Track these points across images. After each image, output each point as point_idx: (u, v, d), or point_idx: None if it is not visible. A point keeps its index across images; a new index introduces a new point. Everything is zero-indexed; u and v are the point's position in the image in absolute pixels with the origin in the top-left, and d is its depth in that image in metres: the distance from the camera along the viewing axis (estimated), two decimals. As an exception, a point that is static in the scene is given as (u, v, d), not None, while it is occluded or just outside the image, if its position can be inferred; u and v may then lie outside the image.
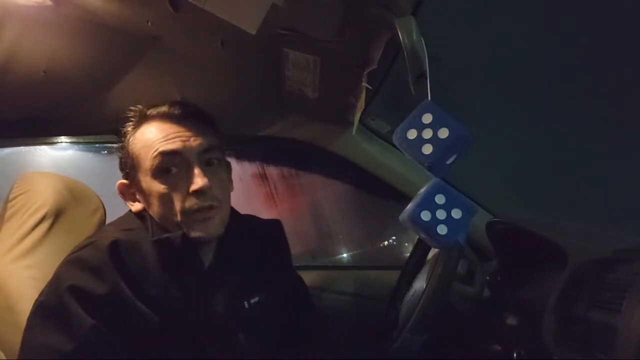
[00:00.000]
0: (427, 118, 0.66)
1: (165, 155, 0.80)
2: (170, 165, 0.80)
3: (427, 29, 0.71)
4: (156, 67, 1.05)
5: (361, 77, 0.95)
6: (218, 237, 0.85)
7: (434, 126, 0.66)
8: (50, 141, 1.46)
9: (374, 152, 1.38)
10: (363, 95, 1.03)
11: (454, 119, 0.65)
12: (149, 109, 0.86)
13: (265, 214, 1.02)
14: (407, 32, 0.70)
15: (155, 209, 0.83)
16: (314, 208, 1.96)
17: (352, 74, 0.96)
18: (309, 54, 0.94)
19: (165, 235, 0.81)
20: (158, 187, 0.81)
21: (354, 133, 1.30)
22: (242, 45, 0.94)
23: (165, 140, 0.81)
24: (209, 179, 0.80)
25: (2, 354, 0.84)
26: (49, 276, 0.90)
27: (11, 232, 0.94)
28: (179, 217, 0.80)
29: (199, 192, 0.79)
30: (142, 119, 0.86)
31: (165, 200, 0.81)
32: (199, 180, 0.79)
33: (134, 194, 0.87)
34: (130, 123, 0.87)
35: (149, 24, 0.91)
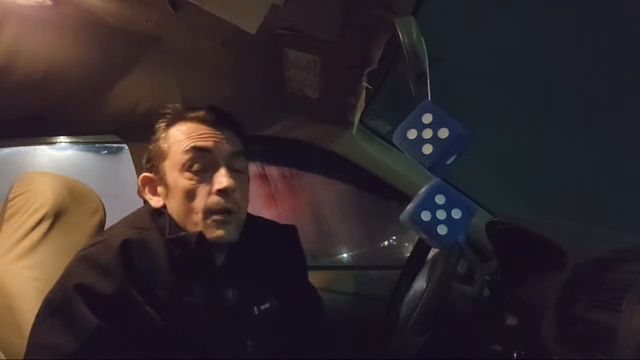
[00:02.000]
0: (427, 118, 0.66)
1: (197, 150, 0.83)
2: (200, 162, 0.83)
3: (427, 29, 0.71)
4: (156, 67, 1.05)
5: (361, 77, 0.95)
6: (230, 242, 0.85)
7: (434, 126, 0.66)
8: (50, 141, 1.45)
9: (374, 152, 1.38)
10: (363, 95, 1.03)
11: (454, 119, 0.65)
12: (185, 110, 0.89)
13: (265, 214, 1.02)
14: (407, 32, 0.70)
15: (176, 205, 0.84)
16: (314, 208, 1.96)
17: (352, 74, 0.96)
18: (309, 54, 0.94)
19: (182, 233, 0.81)
20: (184, 182, 0.82)
21: (354, 133, 1.30)
22: (242, 45, 0.94)
23: (198, 138, 0.84)
24: (233, 183, 0.82)
25: (2, 354, 0.84)
26: (49, 276, 0.90)
27: (11, 232, 0.94)
28: (199, 215, 0.81)
29: (222, 192, 0.81)
30: (178, 118, 0.88)
31: (189, 196, 0.82)
32: (224, 180, 0.81)
33: (155, 188, 0.88)
34: (165, 120, 0.89)
35: (149, 24, 0.91)
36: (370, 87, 0.98)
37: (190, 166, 0.83)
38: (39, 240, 0.94)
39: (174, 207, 0.84)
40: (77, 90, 1.09)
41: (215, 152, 0.83)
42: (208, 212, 0.81)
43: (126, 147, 1.30)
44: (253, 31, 0.78)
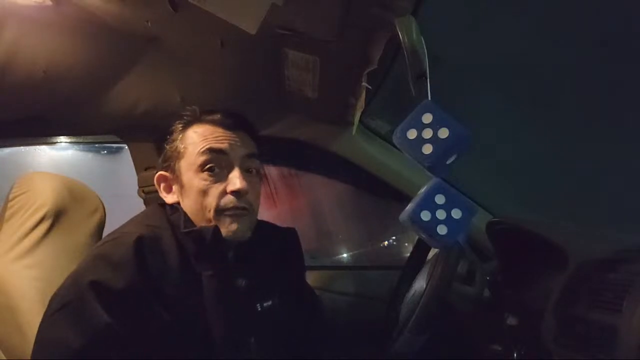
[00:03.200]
0: (427, 118, 0.66)
1: (213, 152, 0.86)
2: (215, 163, 0.85)
3: (427, 29, 0.71)
4: (156, 67, 1.05)
5: (361, 77, 0.95)
6: (243, 239, 0.87)
7: (434, 126, 0.66)
8: (50, 141, 1.45)
9: (374, 152, 1.38)
10: (363, 95, 1.03)
11: (454, 119, 0.65)
12: (203, 113, 0.92)
13: (265, 214, 1.02)
14: (407, 32, 0.70)
15: (190, 203, 0.86)
16: (314, 208, 1.96)
17: (352, 74, 0.96)
18: (309, 54, 0.94)
19: (198, 227, 0.84)
20: (199, 182, 0.85)
21: (354, 133, 1.30)
22: (241, 45, 0.94)
23: (214, 140, 0.87)
24: (247, 184, 0.85)
25: (2, 354, 0.84)
26: (49, 276, 0.90)
27: (11, 232, 0.94)
28: (211, 213, 0.84)
29: (236, 193, 0.84)
30: (195, 120, 0.91)
31: (203, 195, 0.85)
32: (237, 182, 0.84)
33: (170, 186, 0.91)
34: (181, 122, 0.92)
35: (149, 24, 0.91)
36: (370, 87, 0.98)
37: (206, 167, 0.85)
38: (39, 240, 0.95)
39: (188, 206, 0.87)
40: (77, 90, 1.09)
41: (230, 153, 0.86)
42: (221, 210, 0.84)
43: (126, 147, 1.30)
44: (253, 31, 0.78)
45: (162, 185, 0.92)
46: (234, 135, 0.88)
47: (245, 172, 0.87)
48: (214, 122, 0.89)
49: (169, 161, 0.91)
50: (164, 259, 0.79)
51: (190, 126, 0.90)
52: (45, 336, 0.73)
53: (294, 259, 1.04)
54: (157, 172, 0.92)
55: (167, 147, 0.92)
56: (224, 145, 0.86)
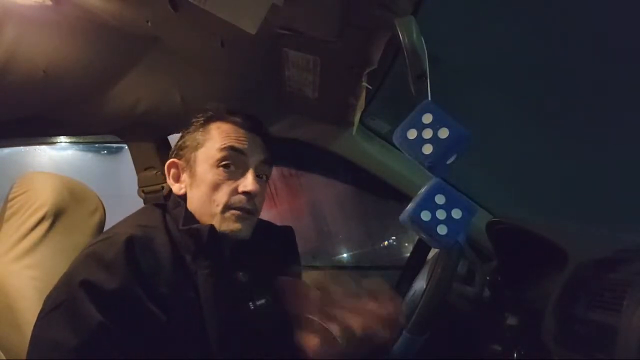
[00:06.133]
0: (427, 118, 0.66)
1: (233, 150, 0.89)
2: (232, 161, 0.88)
3: (427, 29, 0.71)
4: (156, 67, 1.05)
5: (361, 77, 0.95)
6: (242, 239, 0.88)
7: (434, 126, 0.66)
8: (50, 141, 1.45)
9: (374, 152, 1.38)
10: (363, 95, 1.03)
11: (454, 119, 0.65)
12: (226, 112, 0.94)
13: (265, 214, 1.02)
14: (407, 32, 0.70)
15: (198, 195, 0.88)
16: (314, 208, 1.96)
17: (352, 74, 0.96)
18: (309, 54, 0.94)
19: (195, 225, 0.85)
20: (213, 176, 0.87)
21: (354, 133, 1.29)
22: (242, 45, 0.94)
23: (235, 139, 0.90)
24: (258, 187, 0.89)
25: (2, 354, 0.84)
26: (49, 276, 0.90)
27: (11, 232, 0.94)
28: (219, 208, 0.86)
29: (247, 194, 0.87)
30: (217, 118, 0.93)
31: (214, 189, 0.87)
32: (250, 184, 0.87)
33: (179, 175, 0.93)
34: (203, 116, 0.95)
35: (149, 23, 0.91)
36: (370, 87, 0.98)
37: (223, 163, 0.88)
38: (39, 240, 0.95)
39: (196, 196, 0.89)
40: (77, 90, 1.09)
41: (249, 155, 0.90)
42: (229, 207, 0.86)
43: (126, 147, 1.30)
44: (253, 31, 0.78)
45: (171, 172, 0.94)
46: (254, 139, 0.92)
47: (258, 176, 0.91)
48: (236, 123, 0.92)
49: (185, 149, 0.93)
50: (156, 259, 0.79)
51: (213, 122, 0.93)
52: (40, 337, 0.73)
53: (290, 257, 1.04)
54: (169, 160, 0.94)
55: (185, 136, 0.95)
56: (244, 147, 0.89)
